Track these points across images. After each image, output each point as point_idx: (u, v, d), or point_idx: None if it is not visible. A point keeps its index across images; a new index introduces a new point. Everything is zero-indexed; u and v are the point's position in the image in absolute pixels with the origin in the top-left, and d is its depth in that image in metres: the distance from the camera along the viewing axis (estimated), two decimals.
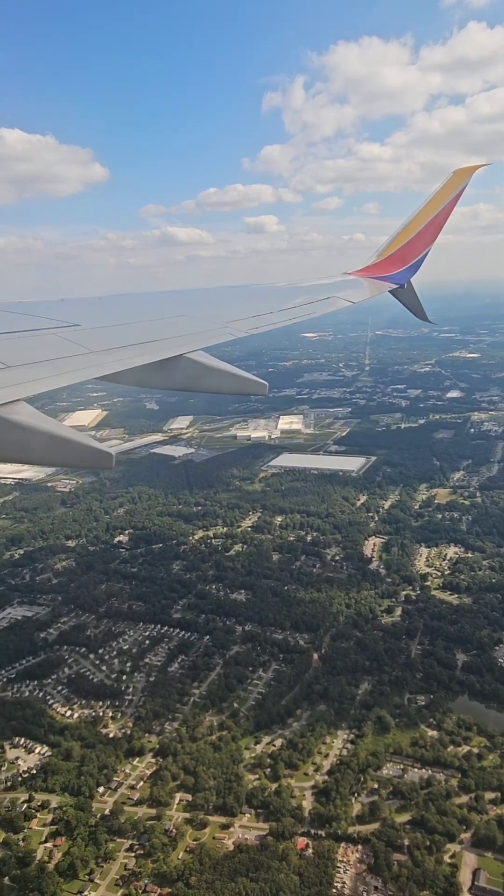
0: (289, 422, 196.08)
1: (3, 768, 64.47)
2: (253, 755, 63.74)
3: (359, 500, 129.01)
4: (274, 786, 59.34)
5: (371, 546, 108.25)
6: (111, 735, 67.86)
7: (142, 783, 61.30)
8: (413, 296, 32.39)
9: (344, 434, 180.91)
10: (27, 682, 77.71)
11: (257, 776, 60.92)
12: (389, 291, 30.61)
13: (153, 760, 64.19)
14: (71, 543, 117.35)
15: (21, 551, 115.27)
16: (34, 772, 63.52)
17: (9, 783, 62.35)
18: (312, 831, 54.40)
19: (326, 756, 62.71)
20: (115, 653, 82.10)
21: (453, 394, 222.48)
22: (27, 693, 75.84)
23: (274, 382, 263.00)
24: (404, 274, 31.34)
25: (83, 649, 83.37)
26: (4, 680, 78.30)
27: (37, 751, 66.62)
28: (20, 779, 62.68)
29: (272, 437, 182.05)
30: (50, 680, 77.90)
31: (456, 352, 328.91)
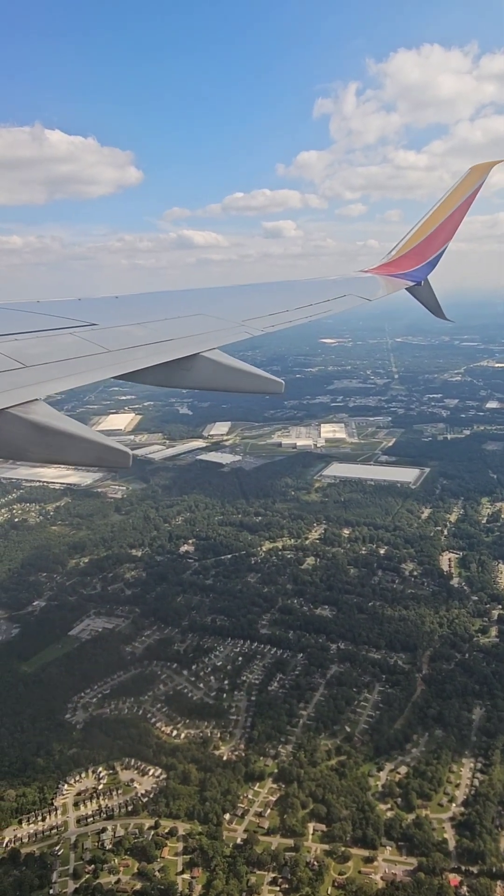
0: (332, 430, 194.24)
1: (119, 791, 62.61)
2: (378, 783, 61.83)
3: (422, 512, 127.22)
4: (410, 817, 57.43)
5: (447, 561, 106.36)
6: (224, 757, 65.93)
7: (269, 810, 59.32)
8: (430, 294, 31.45)
9: (390, 444, 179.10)
10: (123, 698, 75.81)
11: (389, 806, 59.03)
12: (406, 289, 29.78)
13: (275, 786, 62.23)
14: (136, 552, 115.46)
15: (86, 559, 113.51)
16: (152, 796, 61.66)
17: (129, 808, 60.49)
18: (463, 867, 52.44)
19: (457, 786, 60.80)
20: (209, 669, 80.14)
21: (492, 404, 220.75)
22: (126, 711, 73.92)
23: (305, 389, 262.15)
24: (422, 271, 30.60)
25: (175, 665, 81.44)
26: (100, 696, 76.43)
27: (150, 773, 64.75)
28: (141, 803, 60.80)
29: (317, 445, 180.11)
30: (147, 697, 75.99)
31: (483, 361, 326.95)
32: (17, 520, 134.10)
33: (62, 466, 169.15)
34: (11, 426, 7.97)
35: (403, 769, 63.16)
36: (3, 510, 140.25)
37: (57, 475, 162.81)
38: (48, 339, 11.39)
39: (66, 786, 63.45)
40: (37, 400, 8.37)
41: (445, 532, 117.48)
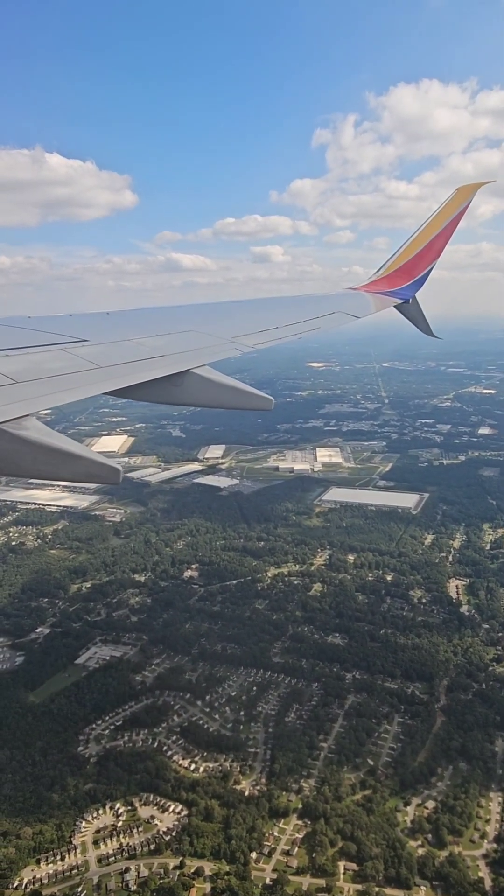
0: (327, 454, 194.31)
1: (139, 828, 60.53)
2: (407, 818, 60.53)
3: (425, 538, 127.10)
4: (442, 854, 56.15)
5: (454, 588, 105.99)
6: (246, 793, 64.18)
7: (297, 848, 57.68)
8: (418, 311, 31.94)
9: (387, 469, 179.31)
10: (136, 730, 73.86)
11: (420, 842, 57.71)
12: (394, 307, 30.15)
13: (300, 822, 60.66)
14: (139, 577, 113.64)
15: (88, 584, 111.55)
16: (175, 833, 59.69)
17: (152, 846, 58.43)
18: None
19: (488, 821, 59.70)
20: (223, 700, 78.50)
21: (485, 430, 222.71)
22: (140, 742, 71.97)
23: (297, 413, 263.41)
24: (410, 289, 31.05)
25: (188, 695, 79.66)
26: (112, 728, 74.37)
27: (170, 809, 62.75)
28: (163, 841, 58.79)
29: (314, 469, 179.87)
30: (161, 728, 74.11)
31: (470, 387, 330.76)
32: (14, 543, 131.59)
33: (57, 488, 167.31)
34: (3, 442, 8.00)
35: (431, 804, 61.95)
36: None
37: (52, 497, 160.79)
38: (39, 355, 11.35)
39: (84, 823, 61.23)
40: (28, 416, 8.41)
41: (450, 558, 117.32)
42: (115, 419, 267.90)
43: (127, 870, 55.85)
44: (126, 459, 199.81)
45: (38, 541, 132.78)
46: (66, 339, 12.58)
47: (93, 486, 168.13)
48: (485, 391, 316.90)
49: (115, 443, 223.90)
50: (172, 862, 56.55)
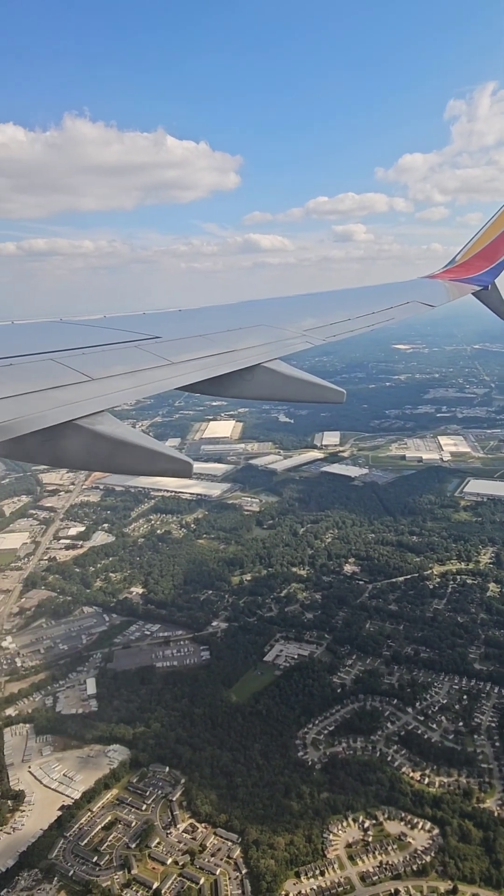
0: (452, 443, 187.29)
1: (393, 846, 58.15)
2: None
3: None
4: None
5: None
6: (495, 813, 60.91)
7: None
8: (498, 297, 29.61)
9: None
10: (353, 736, 71.63)
11: None
12: (472, 294, 28.31)
13: None
14: (299, 571, 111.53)
15: (248, 577, 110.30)
16: (434, 853, 57.04)
17: (415, 867, 55.90)
18: None
19: None
20: (435, 708, 75.34)
21: None
22: (359, 751, 69.66)
23: (402, 398, 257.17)
24: (489, 274, 29.09)
25: (395, 700, 76.90)
26: (326, 733, 72.38)
27: (419, 826, 60.13)
28: (425, 861, 56.20)
29: (444, 459, 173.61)
30: (378, 736, 71.63)
31: None
32: (160, 532, 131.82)
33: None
34: (80, 437, 8.13)
35: None
36: (142, 521, 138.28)
37: (181, 484, 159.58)
38: (113, 353, 11.48)
39: (331, 835, 59.33)
40: (103, 411, 8.53)
41: None
42: (215, 403, 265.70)
43: (396, 892, 53.57)
44: (241, 446, 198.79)
45: (183, 530, 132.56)
46: (139, 337, 12.72)
47: (220, 472, 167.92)
48: None
49: (224, 428, 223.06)
50: (442, 886, 53.99)
